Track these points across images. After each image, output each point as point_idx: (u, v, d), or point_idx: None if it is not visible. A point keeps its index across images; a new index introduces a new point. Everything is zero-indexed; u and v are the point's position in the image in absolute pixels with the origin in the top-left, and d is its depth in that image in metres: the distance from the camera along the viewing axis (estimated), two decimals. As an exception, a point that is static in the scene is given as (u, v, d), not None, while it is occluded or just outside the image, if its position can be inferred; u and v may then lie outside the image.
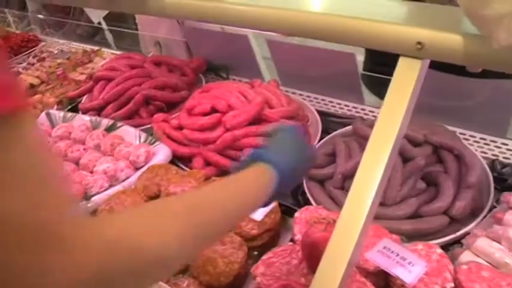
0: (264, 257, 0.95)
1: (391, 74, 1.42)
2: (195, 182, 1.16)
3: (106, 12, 2.27)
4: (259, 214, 1.02)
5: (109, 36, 2.54)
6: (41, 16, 2.58)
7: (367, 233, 0.76)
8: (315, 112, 1.52)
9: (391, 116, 0.75)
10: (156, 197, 1.19)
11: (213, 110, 1.40)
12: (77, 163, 1.43)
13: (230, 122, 1.32)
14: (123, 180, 1.31)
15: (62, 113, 1.67)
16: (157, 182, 1.21)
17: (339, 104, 1.63)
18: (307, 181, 1.25)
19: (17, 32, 2.64)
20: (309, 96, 1.67)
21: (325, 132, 1.43)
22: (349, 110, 1.60)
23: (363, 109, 1.58)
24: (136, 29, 2.26)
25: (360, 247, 0.71)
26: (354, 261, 0.70)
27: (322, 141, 1.37)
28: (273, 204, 1.05)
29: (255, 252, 1.04)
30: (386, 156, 0.73)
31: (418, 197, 1.12)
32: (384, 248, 0.89)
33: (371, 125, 1.26)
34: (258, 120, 1.35)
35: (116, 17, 2.47)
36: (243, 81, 1.66)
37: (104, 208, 1.16)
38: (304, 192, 1.24)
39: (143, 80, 1.66)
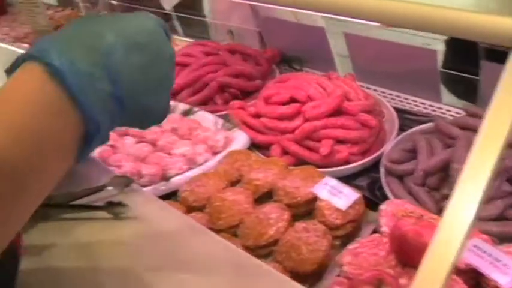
0: (350, 246, 0.96)
1: (470, 72, 1.39)
2: (277, 169, 1.17)
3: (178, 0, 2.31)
4: (343, 204, 1.03)
5: (177, 24, 2.58)
6: (113, 2, 2.64)
7: (471, 234, 0.75)
8: (391, 108, 1.51)
9: (501, 114, 0.74)
10: (237, 182, 1.21)
11: (292, 100, 1.41)
12: (153, 144, 1.46)
13: (310, 112, 1.33)
14: (201, 164, 1.34)
15: (138, 96, 1.70)
16: (237, 167, 1.23)
17: (415, 101, 1.61)
18: (386, 175, 1.25)
19: (89, 16, 2.71)
20: (383, 92, 1.66)
21: (401, 129, 1.42)
22: (425, 108, 1.58)
23: (440, 107, 1.56)
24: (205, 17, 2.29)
25: (464, 248, 0.70)
26: (457, 263, 0.70)
27: (399, 137, 1.36)
28: (358, 196, 1.05)
29: (337, 242, 1.04)
30: (495, 156, 0.72)
31: (503, 199, 1.10)
32: (475, 247, 0.88)
33: (453, 123, 1.25)
34: (337, 112, 1.35)
35: (185, 5, 2.51)
36: (317, 74, 1.66)
37: (186, 189, 1.19)
38: (381, 187, 1.24)
39: (219, 67, 1.68)
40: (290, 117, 1.38)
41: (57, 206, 0.90)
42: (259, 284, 0.74)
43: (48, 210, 0.90)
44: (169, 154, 1.40)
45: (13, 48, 1.22)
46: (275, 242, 1.02)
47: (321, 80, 1.48)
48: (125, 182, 0.92)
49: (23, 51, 0.51)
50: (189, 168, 1.34)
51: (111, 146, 1.46)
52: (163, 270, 0.76)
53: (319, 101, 1.37)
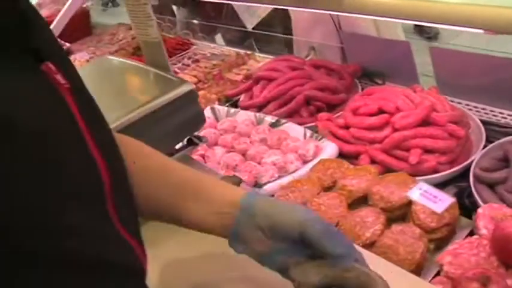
0: (449, 247, 0.99)
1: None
2: (370, 175, 1.22)
3: (260, 18, 2.41)
4: (439, 208, 1.06)
5: (256, 42, 2.68)
6: (195, 21, 2.77)
7: None
8: (477, 119, 1.52)
9: None
10: (330, 188, 1.25)
11: (380, 111, 1.45)
12: (243, 154, 1.54)
13: (399, 122, 1.37)
14: (293, 172, 1.40)
15: (225, 108, 1.79)
16: (330, 174, 1.28)
17: (502, 113, 1.61)
18: (475, 183, 1.26)
19: (171, 36, 2.86)
20: (468, 105, 1.67)
21: (487, 141, 1.43)
22: (512, 120, 1.58)
23: (528, 120, 1.56)
24: (284, 34, 2.38)
25: None
26: None
27: (488, 147, 1.36)
28: (453, 200, 1.08)
29: (432, 246, 1.07)
30: None
31: None
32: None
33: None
34: (425, 123, 1.38)
35: (264, 23, 2.62)
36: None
37: (280, 195, 1.24)
38: (470, 195, 1.25)
39: (304, 81, 1.74)
40: (379, 128, 1.42)
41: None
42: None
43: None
44: (260, 164, 1.47)
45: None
46: (372, 244, 1.06)
47: (407, 92, 1.51)
48: (235, 181, 0.99)
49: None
50: (280, 176, 1.40)
51: (202, 155, 1.55)
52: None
53: (407, 111, 1.40)
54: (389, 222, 1.10)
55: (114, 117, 0.97)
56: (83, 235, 0.45)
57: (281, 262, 0.66)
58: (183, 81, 1.06)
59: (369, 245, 1.06)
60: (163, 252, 0.92)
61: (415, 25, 3.64)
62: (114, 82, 1.13)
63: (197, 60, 2.40)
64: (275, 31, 2.53)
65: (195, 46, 2.62)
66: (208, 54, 2.45)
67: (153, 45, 1.13)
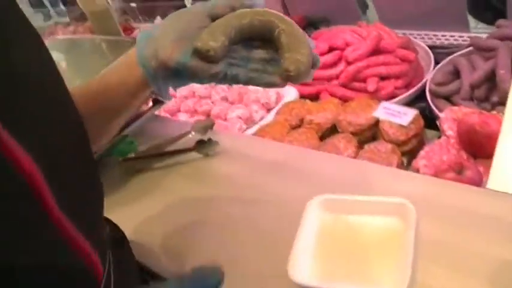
0: (421, 152, 1.03)
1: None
2: (334, 107, 1.26)
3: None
4: (404, 120, 1.11)
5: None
6: (133, 5, 2.74)
7: None
8: (423, 44, 1.58)
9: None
10: (298, 127, 1.29)
11: (331, 50, 1.49)
12: (208, 116, 1.55)
13: (351, 55, 1.41)
14: (260, 121, 1.42)
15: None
16: (296, 114, 1.31)
17: (444, 35, 1.68)
18: (433, 99, 1.32)
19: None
20: (411, 34, 1.73)
21: (436, 63, 1.49)
22: (455, 40, 1.64)
23: (470, 37, 1.62)
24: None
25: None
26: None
27: (440, 64, 1.43)
28: (415, 112, 1.13)
29: (405, 160, 1.12)
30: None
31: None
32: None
33: (490, 37, 1.32)
34: (376, 52, 1.43)
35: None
36: (347, 27, 1.73)
37: (252, 141, 1.27)
38: (430, 112, 1.31)
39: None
40: (333, 65, 1.46)
41: (147, 157, 1.00)
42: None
43: (139, 164, 1.00)
44: (226, 120, 1.49)
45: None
46: (348, 166, 1.10)
47: (353, 28, 1.56)
48: (207, 125, 1.01)
49: None
50: (248, 128, 1.42)
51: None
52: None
53: (357, 45, 1.44)
54: (362, 144, 1.15)
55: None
56: (14, 245, 0.42)
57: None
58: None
59: (345, 168, 1.09)
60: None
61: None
62: (71, 60, 1.13)
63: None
64: None
65: (137, 29, 2.60)
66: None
67: (101, 14, 1.13)
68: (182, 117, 1.57)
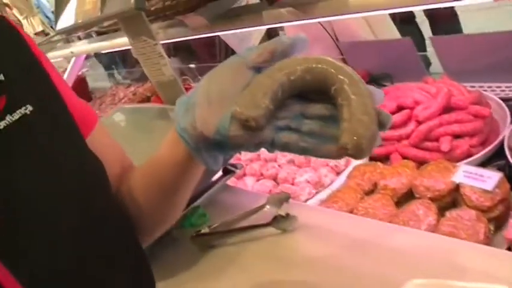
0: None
1: None
2: (409, 170, 1.21)
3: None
4: (489, 185, 1.04)
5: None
6: (192, 65, 2.80)
7: None
8: (496, 98, 1.51)
9: None
10: (371, 192, 1.24)
11: (399, 109, 1.45)
12: (274, 179, 1.53)
13: (422, 114, 1.36)
14: (329, 185, 1.38)
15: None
16: (368, 178, 1.27)
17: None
18: (512, 155, 1.25)
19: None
20: (481, 87, 1.67)
21: (512, 117, 1.42)
22: (528, 91, 1.58)
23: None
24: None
25: None
26: None
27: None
28: (500, 175, 1.07)
29: (492, 227, 1.05)
30: None
31: None
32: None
33: None
34: (448, 109, 1.38)
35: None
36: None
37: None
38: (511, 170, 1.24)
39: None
40: (402, 124, 1.41)
41: (220, 233, 0.97)
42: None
43: (212, 239, 0.97)
44: (293, 185, 1.46)
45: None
46: (430, 236, 1.04)
47: (420, 85, 1.52)
48: (283, 198, 0.98)
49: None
50: (318, 192, 1.39)
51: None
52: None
53: (427, 102, 1.40)
54: (441, 211, 1.09)
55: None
56: None
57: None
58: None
59: (427, 238, 1.04)
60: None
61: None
62: (140, 128, 1.14)
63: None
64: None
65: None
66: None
67: (169, 84, 1.14)
68: (249, 181, 1.55)
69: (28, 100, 0.57)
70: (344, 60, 2.01)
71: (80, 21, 1.10)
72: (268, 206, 0.99)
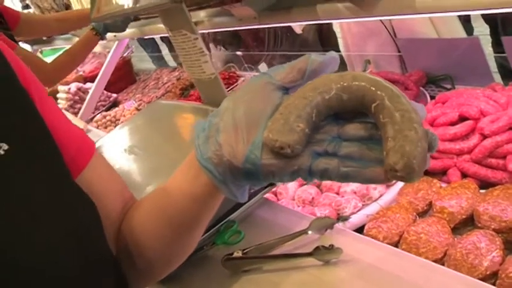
0: None
1: None
2: (470, 193, 1.07)
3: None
4: None
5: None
6: (238, 53, 2.70)
7: None
8: None
9: None
10: (425, 212, 1.12)
11: (462, 119, 1.31)
12: (318, 186, 1.41)
13: (489, 127, 1.22)
14: (378, 199, 1.26)
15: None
16: (423, 197, 1.14)
17: None
18: None
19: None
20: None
21: None
22: None
23: None
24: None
25: None
26: None
27: None
28: None
29: None
30: None
31: None
32: None
33: None
34: (518, 124, 1.23)
35: (303, 43, 2.53)
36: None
37: (371, 227, 1.11)
38: None
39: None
40: (465, 137, 1.27)
41: (256, 258, 0.87)
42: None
43: (247, 263, 0.87)
44: (338, 194, 1.35)
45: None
46: (493, 275, 0.91)
47: (487, 93, 1.37)
48: (327, 223, 0.87)
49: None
50: (365, 205, 1.27)
51: (274, 192, 1.44)
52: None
53: (494, 114, 1.25)
54: (508, 245, 0.95)
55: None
56: None
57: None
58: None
59: (490, 277, 0.91)
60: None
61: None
62: (174, 127, 1.04)
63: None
64: (318, 50, 2.43)
65: (243, 78, 2.54)
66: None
67: (209, 82, 1.03)
68: (290, 185, 1.44)
69: (7, 136, 0.47)
70: (401, 58, 1.87)
71: (114, 11, 1.00)
72: (310, 232, 0.88)
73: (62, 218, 0.50)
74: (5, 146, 0.47)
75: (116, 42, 2.35)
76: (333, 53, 0.51)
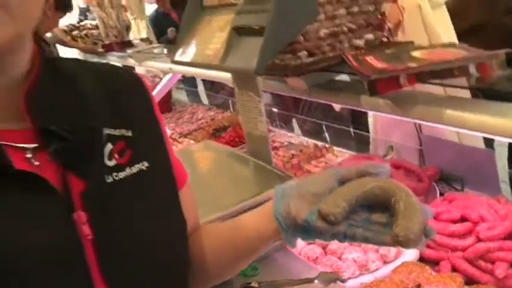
0: None
1: None
2: (456, 286, 1.22)
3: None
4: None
5: (331, 134, 2.77)
6: (274, 110, 2.89)
7: None
8: None
9: None
10: (413, 292, 1.26)
11: (462, 220, 1.47)
12: (324, 248, 1.56)
13: (485, 233, 1.38)
14: (374, 271, 1.41)
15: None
16: (413, 279, 1.29)
17: None
18: None
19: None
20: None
21: None
22: None
23: None
24: (357, 129, 2.45)
25: None
26: None
27: None
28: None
29: None
30: None
31: None
32: None
33: None
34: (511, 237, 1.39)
35: (337, 116, 2.71)
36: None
37: (363, 293, 1.26)
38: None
39: (384, 181, 1.78)
40: (462, 236, 1.43)
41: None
42: None
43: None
44: (340, 259, 1.49)
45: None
46: None
47: (491, 202, 1.53)
48: (332, 278, 1.03)
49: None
50: (361, 274, 1.42)
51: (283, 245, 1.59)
52: None
53: (493, 222, 1.41)
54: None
55: (223, 205, 1.05)
56: None
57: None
58: (288, 176, 1.13)
59: None
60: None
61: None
62: (222, 168, 1.22)
63: (276, 148, 2.48)
64: (348, 125, 2.61)
65: (273, 133, 2.72)
66: (286, 143, 2.54)
67: (259, 139, 1.21)
68: (299, 241, 1.59)
69: (146, 157, 0.68)
70: (421, 152, 2.04)
71: (197, 61, 1.20)
72: (316, 281, 1.04)
73: (174, 221, 0.70)
74: (146, 164, 0.66)
75: (170, 75, 2.56)
76: (388, 167, 0.76)
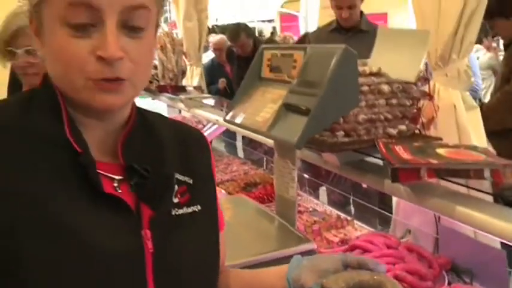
0: None
1: None
2: None
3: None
4: None
5: (355, 208, 2.89)
6: (306, 176, 3.04)
7: None
8: None
9: None
10: None
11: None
12: None
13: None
14: None
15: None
16: None
17: None
18: None
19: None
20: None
21: None
22: None
23: None
24: (380, 207, 2.57)
25: None
26: None
27: None
28: None
29: None
30: None
31: None
32: None
33: None
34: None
35: (363, 192, 2.84)
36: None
37: None
38: None
39: (396, 262, 1.90)
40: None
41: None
42: None
43: None
44: None
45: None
46: None
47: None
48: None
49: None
50: None
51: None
52: None
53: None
54: None
55: (246, 254, 1.19)
56: None
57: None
58: (307, 240, 1.27)
59: None
60: None
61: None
62: (251, 221, 1.37)
63: (301, 212, 2.61)
64: (373, 203, 2.73)
65: (300, 197, 2.85)
66: (311, 209, 2.67)
67: (287, 202, 1.37)
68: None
69: (200, 201, 0.87)
70: (436, 240, 2.14)
71: (247, 125, 1.38)
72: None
73: (214, 260, 0.89)
74: (199, 207, 0.84)
75: (216, 126, 2.76)
76: (383, 268, 0.93)
